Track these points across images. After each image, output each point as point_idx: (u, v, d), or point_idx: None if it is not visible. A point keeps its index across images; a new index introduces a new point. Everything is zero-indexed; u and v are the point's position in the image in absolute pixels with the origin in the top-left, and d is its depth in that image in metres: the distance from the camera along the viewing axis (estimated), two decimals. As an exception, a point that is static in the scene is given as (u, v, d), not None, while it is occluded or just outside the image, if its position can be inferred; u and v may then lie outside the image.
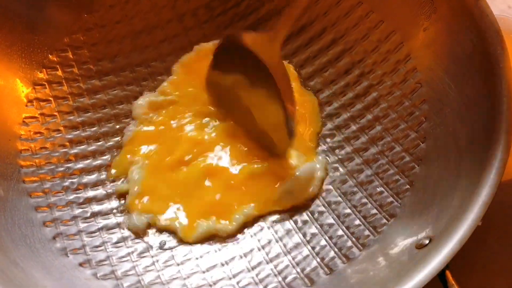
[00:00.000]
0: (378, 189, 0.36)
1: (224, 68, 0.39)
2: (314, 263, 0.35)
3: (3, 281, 0.29)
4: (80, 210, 0.38)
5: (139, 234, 0.37)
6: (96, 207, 0.38)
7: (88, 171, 0.40)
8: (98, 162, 0.40)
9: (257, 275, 0.35)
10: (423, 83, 0.37)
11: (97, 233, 0.37)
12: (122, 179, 0.39)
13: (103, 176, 0.40)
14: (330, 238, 0.36)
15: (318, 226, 0.36)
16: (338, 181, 0.38)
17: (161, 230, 0.37)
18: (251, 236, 0.37)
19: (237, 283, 0.35)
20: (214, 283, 0.35)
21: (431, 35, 0.37)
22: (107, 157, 0.40)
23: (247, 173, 0.38)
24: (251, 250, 0.36)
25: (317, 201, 0.38)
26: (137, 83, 0.43)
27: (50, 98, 0.41)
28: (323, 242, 0.35)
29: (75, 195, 0.38)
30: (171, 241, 0.37)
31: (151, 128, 0.41)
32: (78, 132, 0.41)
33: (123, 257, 0.36)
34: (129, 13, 0.44)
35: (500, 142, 0.29)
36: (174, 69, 0.43)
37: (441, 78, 0.35)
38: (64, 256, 0.35)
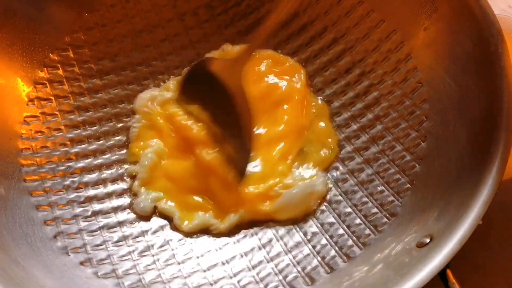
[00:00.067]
0: (379, 188, 0.36)
1: (192, 93, 0.39)
2: (315, 262, 0.35)
3: (4, 280, 0.29)
4: (81, 209, 0.38)
5: (143, 216, 0.38)
6: (96, 206, 0.38)
7: (88, 170, 0.40)
8: (99, 161, 0.40)
9: (257, 274, 0.35)
10: (424, 82, 0.37)
11: (98, 232, 0.37)
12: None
13: (104, 175, 0.40)
14: (331, 237, 0.36)
15: (319, 225, 0.36)
16: (339, 180, 0.38)
17: (160, 214, 0.38)
18: (252, 235, 0.37)
19: (238, 282, 0.35)
20: (215, 282, 0.35)
21: (432, 34, 0.37)
22: (107, 156, 0.41)
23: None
24: (252, 249, 0.36)
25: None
26: (138, 82, 0.43)
27: (51, 97, 0.41)
28: (323, 241, 0.36)
29: (76, 194, 0.38)
30: (167, 230, 0.37)
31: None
32: (79, 131, 0.41)
33: (124, 256, 0.36)
34: (129, 12, 0.44)
35: (501, 141, 0.29)
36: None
37: (441, 78, 0.35)
38: (65, 255, 0.35)
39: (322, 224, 0.36)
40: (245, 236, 0.37)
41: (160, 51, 0.44)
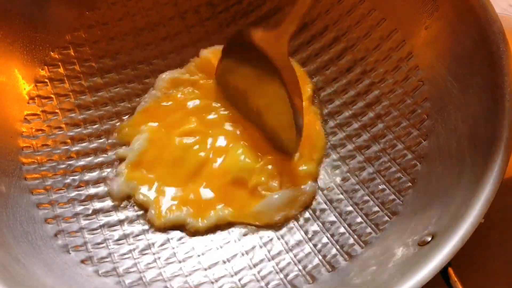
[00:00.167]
0: (380, 187, 0.36)
1: (233, 63, 0.39)
2: (316, 261, 0.35)
3: (5, 278, 0.29)
4: (82, 207, 0.38)
5: (116, 200, 0.38)
6: (97, 205, 0.38)
7: (89, 168, 0.40)
8: (100, 159, 0.40)
9: (258, 272, 0.35)
10: (425, 81, 0.37)
11: (99, 230, 0.37)
12: (125, 146, 0.41)
13: (105, 173, 0.40)
14: (332, 235, 0.36)
15: (320, 224, 0.36)
16: (340, 179, 0.38)
17: (137, 204, 0.38)
18: (253, 233, 0.37)
19: (239, 280, 0.35)
20: (216, 280, 0.35)
21: (433, 33, 0.37)
22: (108, 154, 0.41)
23: (239, 169, 0.38)
24: (253, 248, 0.36)
25: (319, 199, 0.38)
26: (139, 80, 0.43)
27: (52, 96, 0.41)
28: (325, 240, 0.36)
29: (76, 192, 0.38)
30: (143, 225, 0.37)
31: (167, 103, 0.42)
32: (79, 129, 0.41)
33: (124, 254, 0.36)
34: (131, 10, 0.44)
35: (502, 140, 0.29)
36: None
37: (443, 76, 0.35)
38: (65, 253, 0.35)
39: (323, 223, 0.36)
40: (246, 235, 0.37)
41: (161, 49, 0.44)
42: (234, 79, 0.39)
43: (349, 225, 0.36)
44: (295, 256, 0.35)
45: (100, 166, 0.40)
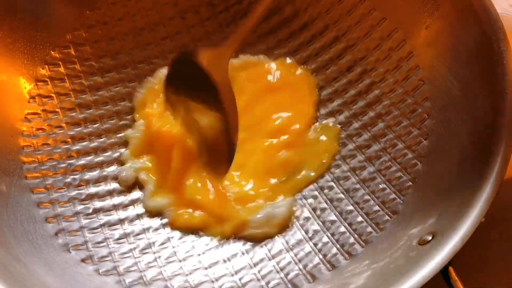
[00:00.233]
0: (381, 186, 0.36)
1: (178, 83, 0.38)
2: (317, 260, 0.35)
3: (5, 277, 0.29)
4: (82, 206, 0.38)
5: (127, 184, 0.39)
6: (98, 204, 0.38)
7: (90, 167, 0.40)
8: (100, 158, 0.40)
9: (259, 271, 0.35)
10: (426, 80, 0.37)
11: (99, 229, 0.37)
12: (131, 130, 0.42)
13: (105, 172, 0.40)
14: (333, 234, 0.36)
15: (321, 223, 0.36)
16: (340, 178, 0.38)
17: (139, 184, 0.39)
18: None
19: (239, 279, 0.35)
20: (216, 280, 0.35)
21: (434, 32, 0.37)
22: (109, 153, 0.41)
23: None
24: (253, 247, 0.36)
25: (319, 198, 0.38)
26: (139, 80, 0.43)
27: (52, 95, 0.41)
28: (325, 239, 0.36)
29: (77, 192, 0.38)
30: (168, 228, 0.38)
31: None
32: (80, 128, 0.41)
33: (125, 253, 0.36)
34: (131, 10, 0.44)
35: (503, 139, 0.29)
36: None
37: (443, 76, 0.35)
38: (66, 252, 0.35)
39: (323, 222, 0.36)
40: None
41: (161, 49, 0.44)
42: (179, 97, 0.39)
43: (350, 224, 0.36)
44: (295, 255, 0.35)
45: (100, 165, 0.40)
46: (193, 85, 0.37)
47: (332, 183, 0.38)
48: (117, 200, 0.39)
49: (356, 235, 0.35)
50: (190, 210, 0.38)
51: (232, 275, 0.35)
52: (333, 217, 0.36)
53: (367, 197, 0.36)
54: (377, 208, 0.35)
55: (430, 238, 0.29)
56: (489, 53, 0.32)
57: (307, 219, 0.37)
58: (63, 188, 0.38)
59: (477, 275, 0.34)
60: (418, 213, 0.33)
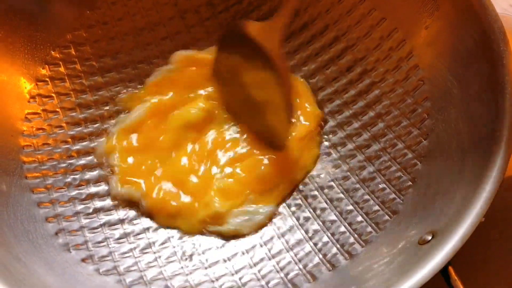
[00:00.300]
0: (381, 186, 0.36)
1: (228, 54, 0.39)
2: (317, 260, 0.35)
3: (5, 277, 0.29)
4: (82, 206, 0.38)
5: (100, 157, 0.40)
6: (98, 203, 0.38)
7: (90, 167, 0.40)
8: (100, 158, 0.40)
9: (259, 271, 0.35)
10: (426, 80, 0.37)
11: (99, 229, 0.37)
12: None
13: (105, 172, 0.40)
14: (333, 234, 0.36)
15: (321, 223, 0.36)
16: (340, 178, 0.38)
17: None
18: (253, 232, 0.37)
19: (239, 279, 0.35)
20: (216, 279, 0.35)
21: (434, 32, 0.37)
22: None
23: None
24: (253, 247, 0.36)
25: (319, 198, 0.38)
26: (139, 80, 0.43)
27: (53, 95, 0.41)
28: (325, 239, 0.36)
29: (77, 191, 0.38)
30: (168, 228, 0.38)
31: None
32: (80, 128, 0.41)
33: (125, 253, 0.36)
34: (131, 10, 0.44)
35: (503, 139, 0.29)
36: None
37: (443, 76, 0.35)
38: (66, 252, 0.35)
39: (323, 222, 0.36)
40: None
41: (161, 49, 0.44)
42: (229, 66, 0.39)
43: (350, 224, 0.36)
44: (295, 255, 0.35)
45: (100, 165, 0.40)
46: (244, 59, 0.38)
47: (332, 183, 0.38)
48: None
49: (356, 235, 0.35)
50: (169, 185, 0.38)
51: (232, 274, 0.35)
52: (333, 217, 0.36)
53: (367, 197, 0.36)
54: (377, 208, 0.36)
55: (430, 238, 0.29)
56: (489, 53, 0.32)
57: (307, 218, 0.37)
58: (63, 187, 0.38)
59: (477, 275, 0.34)
60: (418, 213, 0.33)
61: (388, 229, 0.34)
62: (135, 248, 0.36)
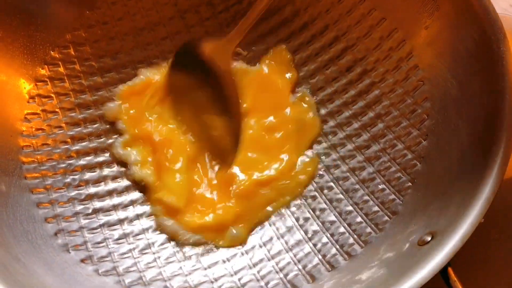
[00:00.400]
0: (380, 187, 0.36)
1: (181, 72, 0.39)
2: (316, 260, 0.35)
3: (5, 277, 0.29)
4: (82, 206, 0.38)
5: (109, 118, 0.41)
6: (97, 204, 0.38)
7: (89, 167, 0.40)
8: (100, 159, 0.40)
9: (258, 272, 0.35)
10: (425, 80, 0.37)
11: (99, 230, 0.37)
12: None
13: (105, 172, 0.40)
14: (332, 235, 0.36)
15: (320, 223, 0.36)
16: (340, 178, 0.38)
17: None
18: (253, 233, 0.37)
19: (239, 279, 0.35)
20: (216, 280, 0.35)
21: (434, 33, 0.37)
22: (109, 153, 0.41)
23: None
24: (253, 247, 0.36)
25: (319, 199, 0.38)
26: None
27: (52, 95, 0.41)
28: (324, 239, 0.36)
29: (76, 192, 0.38)
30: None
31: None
32: (79, 128, 0.41)
33: (124, 253, 0.36)
34: (131, 10, 0.44)
35: (502, 139, 0.29)
36: None
37: (443, 76, 0.35)
38: (65, 252, 0.35)
39: (323, 222, 0.36)
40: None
41: (161, 49, 0.44)
42: (182, 91, 0.40)
43: (349, 225, 0.36)
44: (295, 255, 0.35)
45: (100, 165, 0.40)
46: (196, 77, 0.37)
47: (332, 184, 0.38)
48: (116, 200, 0.39)
49: (355, 236, 0.35)
50: None
51: (232, 275, 0.35)
52: (332, 218, 0.36)
53: (366, 197, 0.36)
54: (376, 208, 0.35)
55: (429, 238, 0.29)
56: (489, 53, 0.32)
57: (306, 219, 0.37)
58: (63, 188, 0.38)
59: (477, 275, 0.34)
60: (417, 214, 0.33)
61: (388, 230, 0.34)
62: (134, 248, 0.36)
